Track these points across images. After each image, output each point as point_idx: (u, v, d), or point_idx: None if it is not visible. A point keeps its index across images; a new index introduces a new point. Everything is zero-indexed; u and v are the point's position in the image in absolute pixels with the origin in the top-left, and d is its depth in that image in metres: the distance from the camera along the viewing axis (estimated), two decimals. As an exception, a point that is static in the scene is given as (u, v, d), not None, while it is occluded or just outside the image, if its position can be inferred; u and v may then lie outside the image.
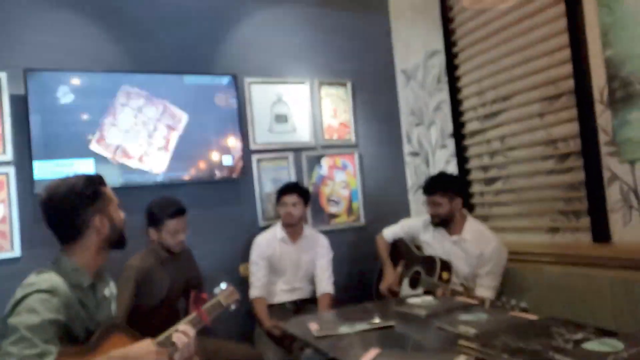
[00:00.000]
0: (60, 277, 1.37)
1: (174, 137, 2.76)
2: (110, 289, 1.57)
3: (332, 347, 1.59)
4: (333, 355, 1.52)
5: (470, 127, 2.95)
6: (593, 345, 1.36)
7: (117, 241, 1.50)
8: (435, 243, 2.58)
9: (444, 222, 2.51)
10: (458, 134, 3.00)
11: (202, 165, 2.83)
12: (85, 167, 2.53)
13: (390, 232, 2.85)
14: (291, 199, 2.69)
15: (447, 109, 3.08)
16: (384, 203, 3.42)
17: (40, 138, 2.45)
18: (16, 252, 2.45)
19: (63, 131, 2.50)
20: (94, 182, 1.47)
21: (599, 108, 2.20)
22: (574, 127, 2.32)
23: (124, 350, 1.36)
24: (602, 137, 2.20)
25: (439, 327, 1.69)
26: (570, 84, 2.30)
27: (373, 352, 1.44)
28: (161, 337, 1.52)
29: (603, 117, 2.19)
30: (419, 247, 2.71)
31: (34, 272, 1.39)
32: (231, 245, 2.95)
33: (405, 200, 3.51)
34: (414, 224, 2.78)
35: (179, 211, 2.28)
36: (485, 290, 2.37)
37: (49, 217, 1.43)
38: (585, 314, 2.12)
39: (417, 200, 3.44)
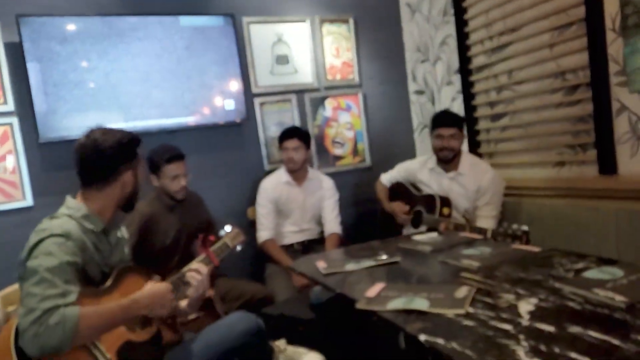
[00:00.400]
0: (73, 222, 1.40)
1: (174, 82, 2.72)
2: (121, 232, 1.62)
3: (339, 283, 1.64)
4: (340, 291, 1.56)
5: (477, 61, 2.87)
6: (593, 273, 1.38)
7: (129, 202, 1.55)
8: (432, 182, 2.59)
9: (454, 157, 2.51)
10: (464, 70, 2.92)
11: (205, 110, 2.81)
12: (88, 116, 2.52)
13: (387, 177, 2.87)
14: (292, 143, 2.68)
15: (453, 44, 2.98)
16: (390, 143, 3.40)
17: (40, 87, 2.43)
18: (28, 201, 2.50)
19: (62, 79, 2.47)
20: (135, 142, 1.53)
21: (610, 36, 2.12)
22: (583, 58, 2.24)
23: (145, 292, 1.41)
24: (613, 67, 2.14)
25: (443, 261, 1.73)
26: (581, 11, 2.20)
27: (378, 286, 1.48)
28: (174, 276, 1.58)
29: (614, 46, 2.11)
30: (417, 188, 2.72)
31: (46, 217, 1.43)
32: (238, 190, 2.98)
33: (411, 140, 3.48)
34: (409, 165, 2.79)
35: (176, 156, 2.28)
36: (486, 220, 2.41)
37: (85, 160, 1.46)
38: (589, 245, 2.15)
39: (422, 139, 3.41)
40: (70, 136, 2.48)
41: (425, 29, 3.23)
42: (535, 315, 1.17)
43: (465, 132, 2.56)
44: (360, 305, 1.37)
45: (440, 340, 1.10)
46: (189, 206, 2.45)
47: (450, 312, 1.24)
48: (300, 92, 3.13)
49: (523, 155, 2.68)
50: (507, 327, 1.13)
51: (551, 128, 2.48)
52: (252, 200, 2.95)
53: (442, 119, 2.54)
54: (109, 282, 1.41)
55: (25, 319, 1.19)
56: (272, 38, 3.05)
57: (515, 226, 1.93)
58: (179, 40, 2.72)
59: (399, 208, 2.67)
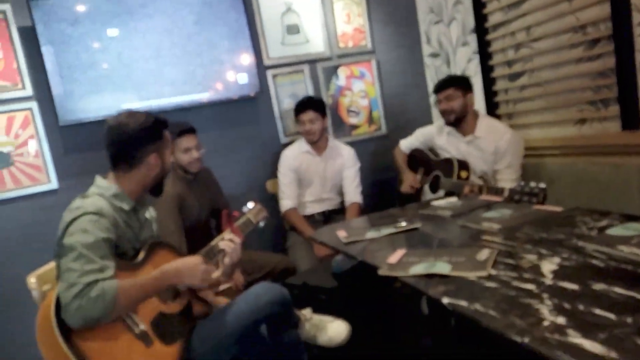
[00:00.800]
0: (104, 200, 1.46)
1: (186, 58, 2.71)
2: (150, 213, 1.67)
3: (361, 251, 1.65)
4: (362, 259, 1.58)
5: (493, 19, 2.78)
6: (617, 230, 1.37)
7: (157, 186, 1.59)
8: (449, 146, 2.58)
9: (457, 120, 2.49)
10: (480, 29, 2.84)
11: (218, 86, 2.80)
12: (103, 97, 2.54)
13: (406, 143, 2.85)
14: (307, 115, 2.66)
15: (468, 2, 2.89)
16: (406, 110, 3.36)
17: (56, 70, 2.45)
18: (53, 184, 2.56)
19: (75, 61, 2.48)
20: (159, 124, 1.56)
21: (633, -16, 2.03)
22: (604, 9, 2.15)
23: (174, 263, 1.47)
24: (636, 17, 2.05)
25: (463, 225, 1.72)
26: (602, -41, 2.11)
27: (399, 252, 1.49)
28: (205, 248, 1.63)
29: (638, -5, 2.03)
30: (435, 154, 2.70)
31: (78, 197, 1.49)
32: (256, 164, 3.00)
33: (427, 105, 3.43)
34: (427, 131, 2.77)
35: (187, 130, 2.30)
36: (506, 183, 2.38)
37: (112, 143, 1.51)
38: (612, 203, 2.12)
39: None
40: (87, 118, 2.52)
41: (438, -11, 3.14)
42: (558, 274, 1.17)
43: (471, 91, 2.50)
44: (382, 272, 1.38)
45: (463, 303, 1.11)
46: (202, 181, 2.48)
47: (472, 275, 1.24)
48: (312, 61, 3.09)
49: (543, 114, 2.62)
50: (530, 287, 1.13)
51: (571, 84, 2.41)
52: (270, 174, 2.97)
53: (437, 84, 2.54)
54: (141, 256, 1.47)
55: (67, 293, 1.25)
56: (281, 8, 3.00)
57: (532, 184, 1.91)
58: (188, 15, 2.70)
59: (412, 178, 2.67)
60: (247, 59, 2.84)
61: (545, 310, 1.02)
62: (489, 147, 2.44)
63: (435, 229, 1.80)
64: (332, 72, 3.14)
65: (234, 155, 2.93)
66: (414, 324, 2.42)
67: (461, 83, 2.49)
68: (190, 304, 1.54)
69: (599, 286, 1.08)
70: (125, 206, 1.51)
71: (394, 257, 1.47)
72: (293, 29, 3.03)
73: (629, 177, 2.10)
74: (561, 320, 0.97)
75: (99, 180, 1.53)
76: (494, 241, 1.48)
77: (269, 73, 2.99)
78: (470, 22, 2.91)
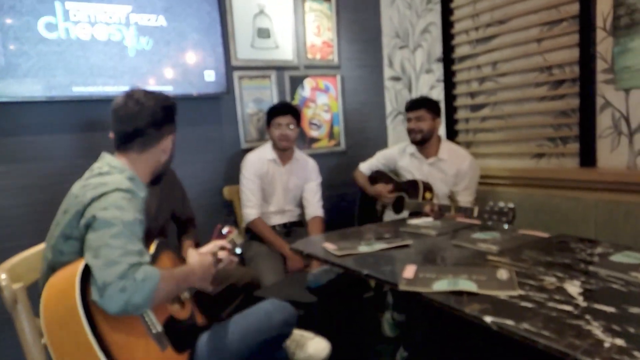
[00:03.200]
0: (127, 180, 1.28)
1: (150, 46, 2.48)
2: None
3: (362, 265, 1.57)
4: (368, 273, 1.50)
5: (460, 51, 2.91)
6: (619, 257, 1.44)
7: (161, 173, 1.47)
8: (412, 167, 2.63)
9: (423, 140, 2.55)
10: (447, 59, 2.95)
11: (182, 80, 2.59)
12: (55, 76, 2.22)
13: (366, 165, 2.86)
14: (286, 119, 2.56)
15: (436, 32, 3.00)
16: (364, 128, 3.38)
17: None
18: (-23, 170, 2.17)
19: (25, 32, 2.15)
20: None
21: (600, 35, 2.23)
22: (572, 54, 2.34)
23: (196, 262, 1.38)
24: (600, 65, 2.25)
25: (457, 245, 1.73)
26: (574, 8, 2.29)
27: (411, 267, 1.44)
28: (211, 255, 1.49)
29: (603, 44, 2.22)
30: (397, 175, 2.73)
31: (88, 173, 1.30)
32: (213, 167, 2.81)
33: (384, 127, 3.48)
34: (389, 152, 2.82)
35: None
36: (463, 204, 2.47)
37: (127, 120, 1.34)
38: (569, 233, 2.26)
39: (395, 127, 3.43)
40: (33, 97, 2.19)
41: (405, 15, 3.23)
42: (587, 297, 1.19)
43: (439, 116, 2.59)
44: (403, 287, 1.32)
45: (510, 322, 1.08)
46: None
47: (502, 294, 1.23)
48: (280, 69, 3.00)
49: (502, 146, 2.77)
50: (567, 308, 1.14)
51: (532, 120, 2.58)
52: (228, 179, 2.80)
53: (410, 103, 2.62)
54: (151, 251, 1.33)
55: (109, 271, 1.06)
56: (254, 9, 2.88)
57: (501, 203, 1.96)
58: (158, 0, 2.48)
59: (383, 188, 2.66)
60: (215, 56, 2.67)
61: (598, 331, 1.02)
62: (451, 169, 2.53)
63: (429, 247, 1.78)
64: (298, 82, 3.07)
65: (190, 156, 2.72)
66: (374, 345, 2.38)
67: (433, 107, 2.57)
68: (194, 312, 1.36)
69: (635, 310, 1.11)
70: (141, 192, 1.33)
71: (408, 272, 1.41)
72: (264, 33, 2.92)
73: (586, 211, 2.26)
74: (620, 342, 0.97)
75: (111, 158, 1.34)
76: (503, 262, 1.49)
77: (236, 74, 2.84)
78: (436, 51, 3.02)
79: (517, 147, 2.68)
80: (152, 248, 1.33)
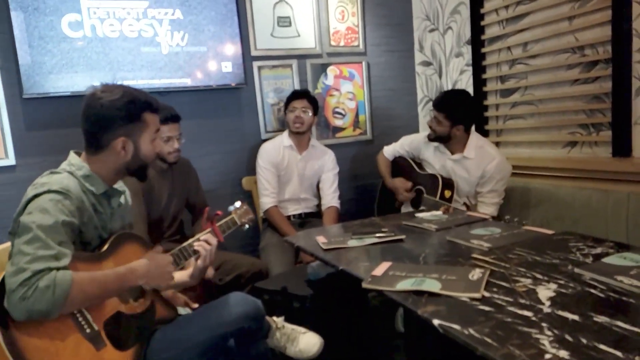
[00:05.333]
0: (74, 179, 1.30)
1: (168, 40, 2.55)
2: (125, 198, 1.51)
3: (341, 260, 1.54)
4: (342, 268, 1.47)
5: (490, 32, 2.73)
6: (613, 259, 1.30)
7: (136, 171, 1.42)
8: (435, 161, 2.48)
9: (439, 139, 2.39)
10: (476, 41, 2.78)
11: (200, 72, 2.65)
12: (76, 72, 2.36)
13: (390, 150, 2.73)
14: (301, 103, 2.56)
15: (465, 12, 2.84)
16: (392, 116, 3.28)
17: (25, 38, 2.26)
18: (11, 159, 2.36)
19: (48, 31, 2.30)
20: (138, 105, 1.35)
21: (636, 9, 1.99)
22: (604, 32, 2.12)
23: (144, 262, 1.33)
24: (637, 43, 2.02)
25: (451, 241, 1.64)
26: (607, -19, 2.07)
27: (384, 264, 1.38)
28: (177, 247, 1.48)
29: (639, 21, 1.99)
30: (419, 165, 2.61)
31: (46, 172, 1.33)
32: (233, 158, 2.86)
33: (415, 114, 3.36)
34: (415, 140, 2.63)
35: (172, 117, 2.15)
36: (487, 207, 2.32)
37: (82, 118, 1.35)
38: (598, 229, 2.07)
39: (425, 114, 3.29)
40: (56, 92, 2.34)
41: (435, -4, 3.07)
42: (556, 302, 1.09)
43: (462, 124, 2.29)
44: (366, 285, 1.27)
45: (456, 326, 1.01)
46: (179, 171, 2.33)
47: (464, 296, 1.15)
48: (301, 57, 2.98)
49: (532, 134, 2.58)
50: (527, 313, 1.04)
51: (564, 106, 2.37)
52: (248, 170, 2.84)
53: (436, 99, 2.39)
54: (105, 248, 1.31)
55: (13, 278, 1.09)
56: (274, -2, 2.87)
57: (516, 220, 1.83)
58: (174, -8, 2.54)
59: (402, 185, 2.56)
60: (233, 47, 2.70)
61: (546, 341, 0.93)
62: (476, 170, 2.33)
63: (420, 243, 1.71)
64: (321, 70, 3.03)
65: (210, 147, 2.78)
66: (388, 340, 2.33)
67: (454, 116, 2.29)
68: (154, 305, 1.39)
69: (601, 318, 0.99)
70: (96, 190, 1.34)
71: (379, 269, 1.36)
72: (284, 21, 2.91)
73: (618, 204, 2.05)
74: (564, 353, 0.88)
75: (73, 156, 1.37)
76: (485, 260, 1.39)
77: (255, 64, 2.86)
78: (466, 33, 2.86)
79: (548, 135, 2.48)
80: (106, 246, 1.31)
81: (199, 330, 1.36)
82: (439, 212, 2.10)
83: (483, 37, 2.76)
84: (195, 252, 1.52)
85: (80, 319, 1.20)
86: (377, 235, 1.74)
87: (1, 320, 1.10)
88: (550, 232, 1.63)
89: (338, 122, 3.13)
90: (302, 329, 1.76)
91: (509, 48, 2.62)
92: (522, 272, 1.27)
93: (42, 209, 1.17)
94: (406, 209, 2.57)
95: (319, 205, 2.76)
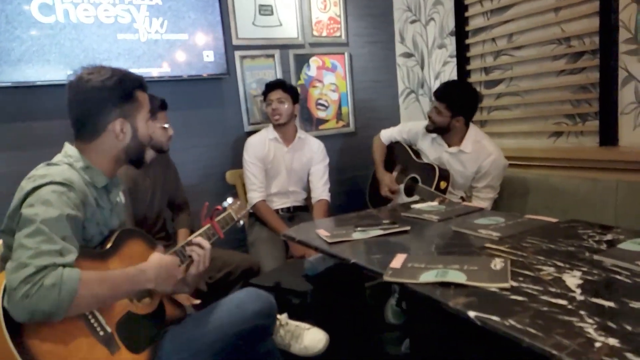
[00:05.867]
0: (75, 171, 1.20)
1: (146, 26, 2.42)
2: (120, 196, 1.42)
3: (349, 253, 1.49)
4: (354, 261, 1.42)
5: (474, 23, 2.74)
6: (628, 245, 1.31)
7: (135, 156, 1.32)
8: (431, 152, 2.46)
9: (437, 130, 2.37)
10: (460, 32, 2.79)
11: (180, 61, 2.53)
12: (49, 60, 2.19)
13: (388, 134, 2.68)
14: (276, 94, 2.48)
15: (448, 4, 2.83)
16: (374, 108, 3.25)
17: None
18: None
19: (17, 15, 2.12)
20: (130, 83, 1.26)
21: (623, 1, 2.04)
22: (592, 23, 2.16)
23: (154, 263, 1.25)
24: (623, 34, 2.06)
25: (456, 231, 1.62)
26: (594, -28, 2.10)
27: (400, 256, 1.35)
28: (177, 247, 1.39)
29: (626, 12, 2.03)
30: (416, 153, 2.59)
31: (41, 165, 1.22)
32: (216, 151, 2.75)
33: (396, 106, 3.34)
34: (413, 129, 2.59)
35: (164, 105, 2.07)
36: (482, 202, 2.32)
37: (70, 105, 1.24)
38: (587, 218, 2.10)
39: (407, 106, 3.29)
40: (26, 82, 2.17)
41: (417, -13, 3.06)
42: (586, 289, 1.08)
43: (462, 116, 2.28)
44: (387, 277, 1.23)
45: (495, 317, 0.98)
46: (160, 166, 2.22)
47: (492, 286, 1.12)
48: (284, 47, 2.90)
49: (518, 124, 2.61)
50: (561, 302, 1.03)
51: (550, 96, 2.41)
52: (231, 163, 2.75)
53: (438, 89, 2.36)
54: (108, 245, 1.22)
55: (15, 274, 0.98)
56: (255, -15, 2.78)
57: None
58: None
59: (390, 183, 2.53)
60: (214, 35, 2.59)
61: (590, 329, 0.91)
62: (472, 165, 2.32)
63: (426, 233, 1.68)
64: (303, 60, 2.97)
65: (191, 140, 2.67)
66: (379, 332, 2.31)
67: (455, 106, 2.28)
68: (162, 305, 1.30)
69: (637, 304, 0.99)
70: (98, 182, 1.25)
71: (396, 261, 1.32)
72: (266, 10, 2.82)
73: (606, 193, 2.10)
74: (613, 341, 0.86)
75: (69, 147, 1.26)
76: (500, 249, 1.38)
77: (237, 54, 2.75)
78: (449, 24, 2.86)
79: (534, 125, 2.52)
80: (111, 240, 1.23)
81: (213, 329, 1.29)
82: (435, 203, 2.08)
83: (467, 29, 2.76)
84: (188, 256, 1.42)
85: (92, 321, 1.11)
86: (382, 226, 1.70)
87: (11, 325, 0.99)
88: (554, 220, 1.64)
89: (321, 114, 3.07)
90: (306, 325, 1.71)
91: (493, 39, 2.63)
92: (542, 261, 1.27)
93: (44, 201, 1.07)
94: (399, 199, 2.54)
95: (307, 199, 2.70)
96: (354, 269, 1.41)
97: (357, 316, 1.94)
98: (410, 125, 2.62)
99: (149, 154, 2.07)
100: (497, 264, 1.24)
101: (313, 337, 1.66)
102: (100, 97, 1.22)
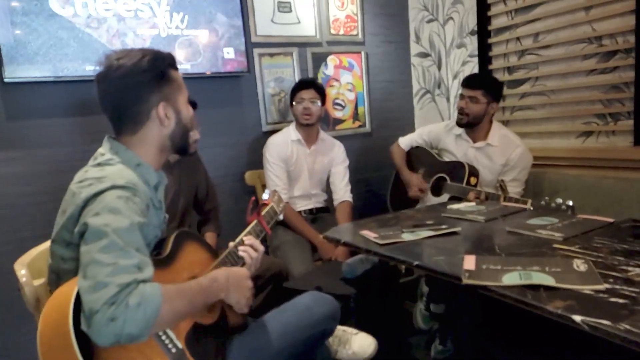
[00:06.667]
0: (131, 171, 1.08)
1: (166, 21, 2.31)
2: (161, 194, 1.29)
3: (408, 255, 1.42)
4: (417, 263, 1.34)
5: (496, 22, 2.71)
6: None
7: (180, 142, 1.21)
8: (456, 149, 2.43)
9: (470, 124, 2.33)
10: (482, 31, 2.75)
11: (199, 57, 2.43)
12: (67, 54, 2.07)
13: (407, 140, 2.65)
14: (309, 94, 2.40)
15: (468, 3, 2.80)
16: (390, 109, 3.19)
17: (7, 14, 1.94)
18: (-13, 155, 2.04)
19: (34, 6, 1.99)
20: (164, 62, 1.15)
21: (659, -1, 2.03)
22: (625, 22, 2.14)
23: (223, 272, 1.14)
24: (658, 33, 2.05)
25: (512, 232, 1.56)
26: (629, -30, 2.09)
27: (470, 258, 1.28)
28: (227, 251, 1.29)
29: (662, 10, 2.02)
30: (439, 155, 2.55)
31: (90, 164, 1.10)
32: (234, 151, 2.65)
33: (411, 107, 3.29)
34: (434, 129, 2.58)
35: (192, 104, 1.93)
36: (514, 196, 2.29)
37: (105, 97, 1.12)
38: (624, 216, 2.08)
39: (422, 107, 3.24)
40: (43, 77, 2.05)
41: (434, -14, 3.02)
42: (686, 290, 1.03)
43: (497, 102, 2.32)
44: (467, 280, 1.16)
45: (606, 322, 0.92)
46: (186, 165, 2.12)
47: (586, 288, 1.06)
48: (302, 45, 2.82)
49: (543, 124, 2.58)
50: (668, 304, 0.97)
51: (578, 96, 2.38)
52: (250, 164, 2.66)
53: (466, 79, 2.37)
54: (167, 251, 1.10)
55: (94, 295, 0.86)
56: (274, -20, 2.70)
57: (559, 200, 1.83)
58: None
59: (418, 182, 2.48)
60: (234, 31, 2.50)
61: None
62: (500, 158, 2.30)
63: (479, 235, 1.62)
64: (321, 59, 2.89)
65: (209, 139, 2.56)
66: (407, 337, 2.24)
67: (493, 90, 2.29)
68: (225, 313, 1.20)
69: None
70: (151, 180, 1.14)
71: (468, 263, 1.25)
72: (285, 7, 2.74)
73: (643, 192, 2.08)
74: None
75: (114, 143, 1.14)
76: (573, 250, 1.32)
77: (256, 52, 2.67)
78: (470, 24, 2.82)
79: (561, 125, 2.49)
80: (169, 245, 1.12)
81: (280, 336, 1.20)
82: (472, 203, 2.03)
83: (489, 28, 2.73)
84: (240, 258, 1.32)
85: (164, 337, 1.00)
86: (431, 227, 1.64)
87: (84, 351, 0.88)
88: (609, 219, 1.59)
89: (338, 114, 3.00)
90: (353, 330, 1.63)
91: (517, 39, 2.60)
92: (624, 261, 1.21)
93: (112, 209, 0.96)
94: (424, 201, 2.49)
95: (327, 200, 2.62)
96: (392, 270, 1.34)
97: (393, 319, 1.87)
98: (430, 127, 2.62)
99: (173, 157, 1.98)
100: (580, 265, 1.19)
101: (362, 342, 1.58)
102: (137, 82, 1.11)
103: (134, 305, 0.87)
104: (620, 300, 1.01)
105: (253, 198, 1.46)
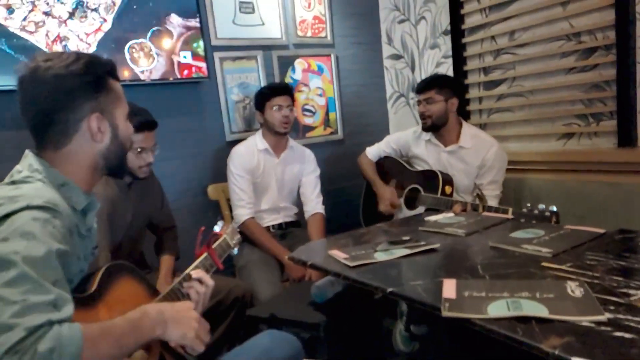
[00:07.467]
0: (52, 189, 0.90)
1: (117, 23, 2.11)
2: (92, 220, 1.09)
3: (380, 279, 1.25)
4: (391, 290, 1.18)
5: (470, 21, 2.58)
6: None
7: (116, 162, 1.03)
8: (428, 156, 2.29)
9: (435, 126, 2.21)
10: (455, 31, 2.62)
11: (152, 62, 2.23)
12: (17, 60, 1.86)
13: (374, 150, 2.50)
14: (286, 100, 2.23)
15: (441, 1, 2.67)
16: (362, 114, 3.04)
17: None
18: None
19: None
20: (102, 67, 0.98)
21: (639, -8, 1.92)
22: (604, 16, 2.03)
23: (160, 306, 0.96)
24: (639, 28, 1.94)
25: (495, 247, 1.41)
26: (607, -37, 1.98)
27: (449, 282, 1.12)
28: (167, 289, 1.11)
29: (643, 4, 1.91)
30: (409, 164, 2.40)
31: (5, 181, 0.92)
32: (194, 163, 2.45)
33: (385, 111, 3.15)
34: (402, 137, 2.44)
35: (147, 124, 1.72)
36: (489, 200, 2.16)
37: (26, 103, 0.95)
38: (610, 224, 1.95)
39: (396, 111, 3.10)
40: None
41: (405, -15, 2.89)
42: (699, 318, 0.88)
43: (454, 96, 2.19)
44: (448, 314, 0.99)
45: (615, 366, 0.77)
46: (143, 186, 1.90)
47: (585, 320, 0.91)
48: (267, 48, 2.64)
49: (522, 127, 2.45)
50: (682, 338, 0.82)
51: (558, 96, 2.26)
52: (213, 177, 2.46)
53: (419, 84, 2.27)
54: (93, 287, 0.93)
55: None
56: (234, -20, 2.52)
57: (541, 206, 1.72)
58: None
59: (391, 197, 2.32)
60: (191, 34, 2.31)
61: None
62: (475, 160, 2.18)
63: (459, 251, 1.47)
64: (288, 63, 2.72)
65: (168, 152, 2.33)
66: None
67: (444, 85, 2.21)
68: (163, 358, 1.01)
69: None
70: (78, 203, 0.96)
71: (447, 289, 1.09)
72: (247, 7, 2.56)
73: (628, 196, 1.96)
74: None
75: (33, 159, 0.96)
76: (563, 270, 1.17)
77: (217, 55, 2.48)
78: (442, 23, 2.69)
79: (541, 127, 2.37)
80: (96, 281, 0.94)
81: None
82: (451, 214, 1.88)
83: (463, 27, 2.60)
84: (185, 295, 1.15)
85: None
86: (407, 245, 1.47)
87: None
88: (600, 230, 1.45)
89: (308, 121, 2.83)
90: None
91: (492, 37, 2.48)
92: (623, 282, 1.07)
93: (24, 233, 0.78)
94: (400, 215, 2.33)
95: (297, 214, 2.44)
96: (366, 292, 1.18)
97: (373, 341, 1.70)
98: (398, 135, 2.48)
99: (126, 178, 1.78)
100: (575, 289, 1.03)
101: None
102: (67, 87, 0.93)
103: (45, 353, 0.70)
104: (627, 335, 0.85)
105: (203, 228, 1.29)
